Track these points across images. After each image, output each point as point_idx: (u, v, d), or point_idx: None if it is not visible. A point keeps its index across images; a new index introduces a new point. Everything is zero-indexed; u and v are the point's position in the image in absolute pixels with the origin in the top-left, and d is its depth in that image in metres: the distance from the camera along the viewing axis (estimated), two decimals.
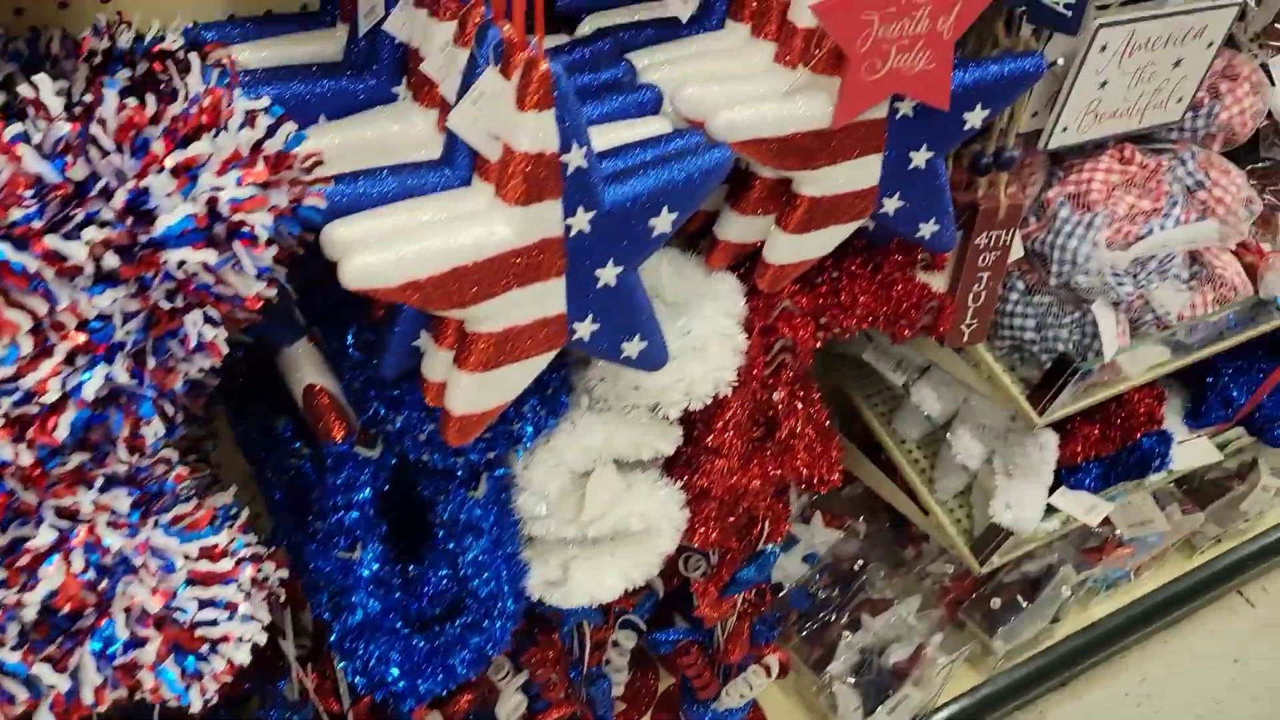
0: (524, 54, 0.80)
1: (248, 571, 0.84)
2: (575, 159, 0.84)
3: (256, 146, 0.72)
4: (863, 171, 1.07)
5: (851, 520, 1.85)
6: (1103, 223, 1.32)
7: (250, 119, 0.73)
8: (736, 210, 1.13)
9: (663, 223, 0.93)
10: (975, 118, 1.07)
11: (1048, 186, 1.40)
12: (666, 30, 1.14)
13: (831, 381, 1.79)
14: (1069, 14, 1.09)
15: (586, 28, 1.14)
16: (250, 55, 1.02)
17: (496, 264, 0.85)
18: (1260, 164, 1.53)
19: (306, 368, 1.06)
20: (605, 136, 0.96)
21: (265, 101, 0.75)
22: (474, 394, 0.92)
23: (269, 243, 0.72)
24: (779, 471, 1.29)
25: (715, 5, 1.15)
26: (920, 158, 1.08)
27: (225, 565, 0.82)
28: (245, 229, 0.70)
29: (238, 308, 0.74)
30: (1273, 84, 1.48)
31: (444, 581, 1.15)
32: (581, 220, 0.88)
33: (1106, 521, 1.82)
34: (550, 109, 0.80)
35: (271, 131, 0.74)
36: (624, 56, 1.09)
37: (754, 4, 1.10)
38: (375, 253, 0.80)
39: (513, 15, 0.80)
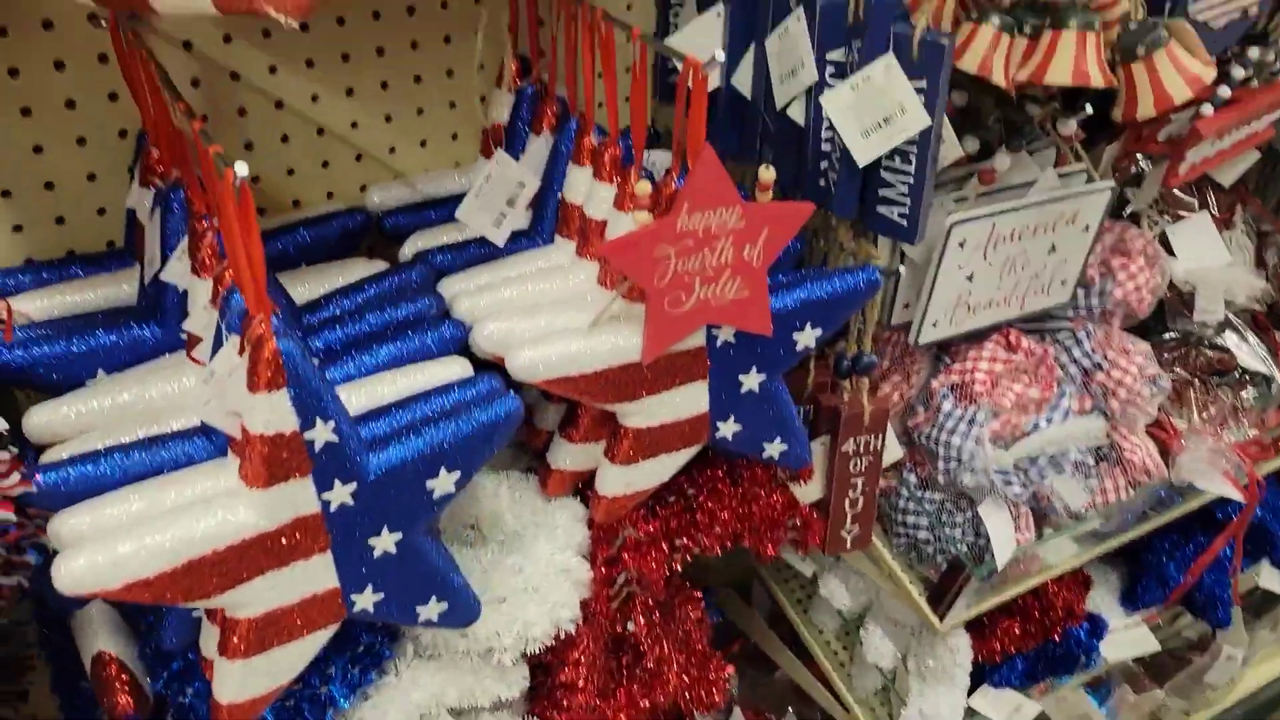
0: (255, 329, 0.74)
1: None
2: (323, 434, 0.78)
3: None
4: (688, 399, 1.00)
5: (775, 717, 1.73)
6: (986, 417, 1.24)
7: None
8: (567, 439, 1.06)
9: (443, 484, 0.86)
10: (807, 338, 1.01)
11: (934, 374, 1.32)
12: (491, 248, 1.09)
13: (745, 561, 1.70)
14: (905, 223, 1.03)
15: (408, 249, 1.10)
16: (37, 305, 0.98)
17: (240, 551, 0.78)
18: (1169, 336, 1.45)
19: (97, 632, 0.99)
20: (388, 386, 0.90)
21: None
22: (242, 681, 0.84)
23: None
24: (648, 701, 1.19)
25: (546, 218, 1.10)
26: (752, 380, 1.01)
27: None
28: None
29: None
30: (1172, 255, 1.42)
31: None
32: (341, 494, 0.81)
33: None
34: (283, 389, 0.74)
35: None
36: (439, 283, 1.05)
37: (578, 222, 1.06)
38: (93, 553, 0.73)
39: (242, 284, 0.74)
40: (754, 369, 1.01)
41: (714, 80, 1.14)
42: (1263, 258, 1.54)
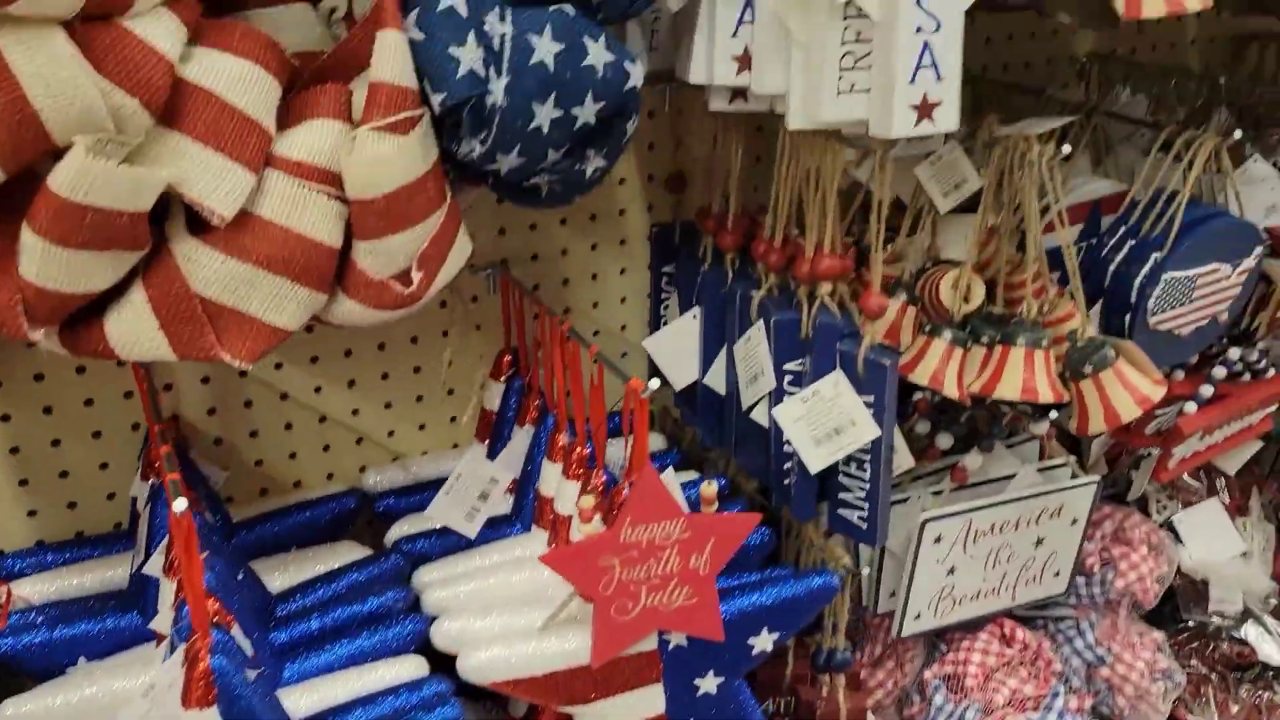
0: (194, 645, 0.78)
1: None
2: None
3: None
4: (643, 702, 1.00)
5: None
6: (976, 716, 1.21)
7: None
8: None
9: None
10: (763, 642, 1.01)
11: (929, 661, 1.30)
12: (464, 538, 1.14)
13: None
14: (865, 526, 1.05)
15: (394, 534, 1.15)
16: (38, 589, 1.04)
17: None
18: (1185, 625, 1.40)
19: None
20: (341, 687, 0.93)
21: None
22: None
23: None
24: None
25: (526, 507, 1.15)
26: (709, 684, 1.01)
27: None
28: None
29: None
30: (1180, 542, 1.39)
31: None
32: None
33: None
34: (211, 708, 0.78)
35: None
36: (416, 570, 1.09)
37: (550, 515, 1.10)
38: None
39: (189, 602, 0.79)
40: (710, 672, 1.01)
41: (688, 377, 1.20)
42: None
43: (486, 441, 1.21)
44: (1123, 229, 1.13)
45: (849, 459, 1.03)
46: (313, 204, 0.76)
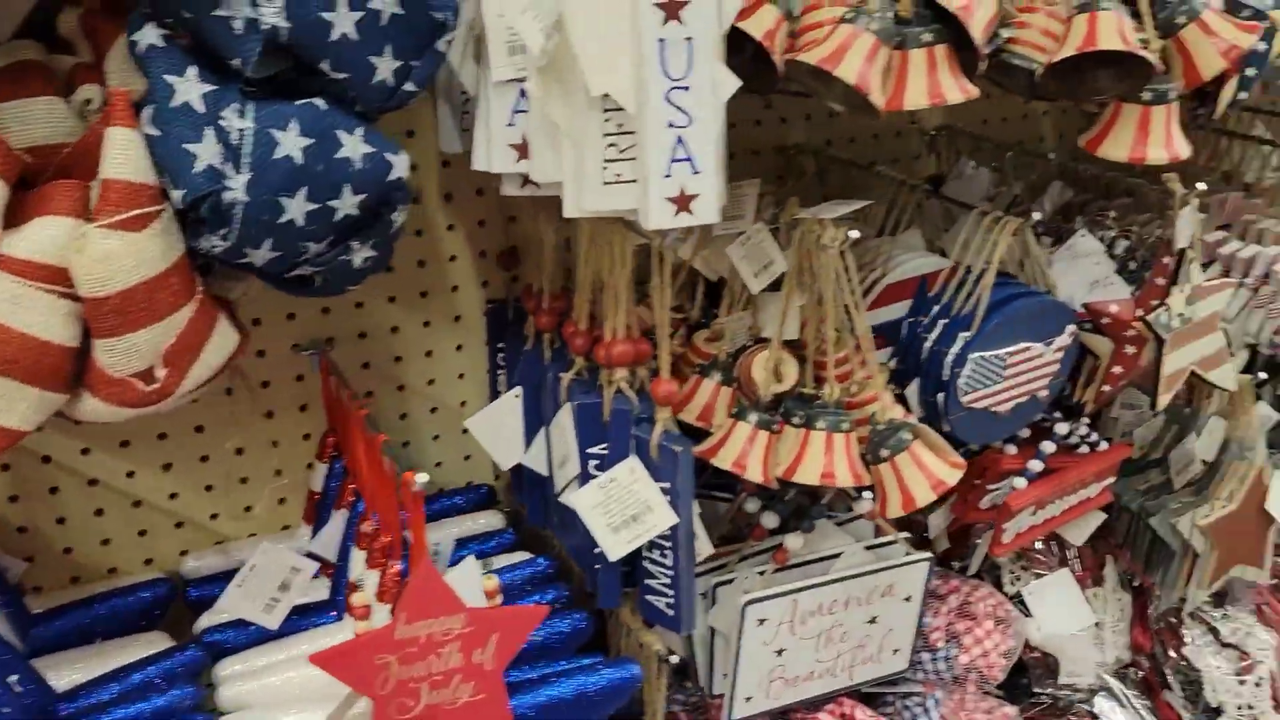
0: None
1: None
2: None
3: None
4: None
5: None
6: None
7: None
8: None
9: None
10: None
11: None
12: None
13: None
14: (672, 613, 1.03)
15: (202, 623, 1.12)
16: None
17: None
18: (1035, 701, 1.39)
19: None
20: None
21: None
22: None
23: None
24: None
25: (339, 594, 1.12)
26: None
27: None
28: None
29: None
30: (1028, 614, 1.38)
31: None
32: None
33: None
34: None
35: None
36: (218, 663, 1.06)
37: (357, 609, 1.07)
38: None
39: None
40: None
41: (513, 457, 1.19)
42: (1145, 612, 1.49)
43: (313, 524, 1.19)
44: (936, 307, 1.13)
45: (652, 545, 1.02)
46: (37, 303, 0.74)
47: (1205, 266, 1.41)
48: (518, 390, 1.16)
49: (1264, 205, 1.43)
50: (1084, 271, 1.22)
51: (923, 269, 1.19)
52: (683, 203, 0.82)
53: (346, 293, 0.92)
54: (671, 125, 0.81)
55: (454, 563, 1.16)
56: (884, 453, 0.99)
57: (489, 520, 1.27)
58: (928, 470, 0.99)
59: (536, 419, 1.15)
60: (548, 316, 1.12)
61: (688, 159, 0.82)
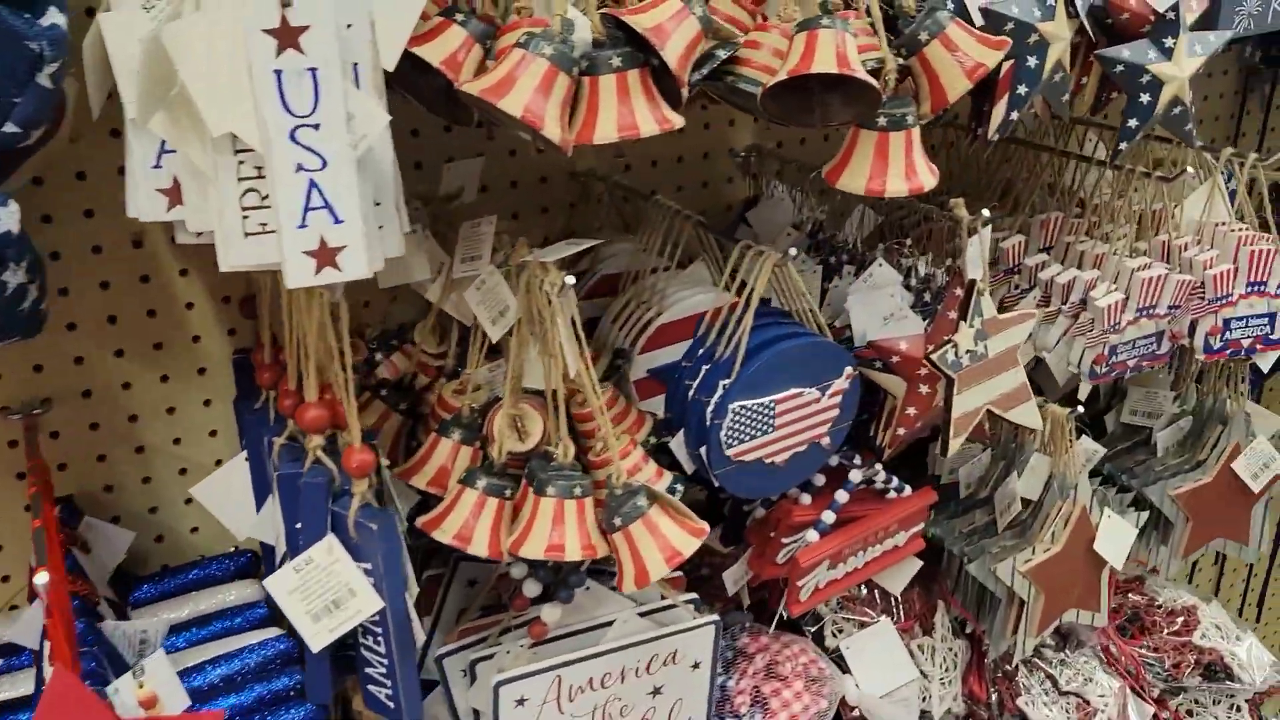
0: None
1: None
2: None
3: None
4: None
5: None
6: None
7: None
8: None
9: None
10: None
11: None
12: None
13: None
14: (393, 705, 0.92)
15: None
16: None
17: None
18: None
19: None
20: None
21: None
22: None
23: None
24: None
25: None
26: None
27: None
28: None
29: None
30: (845, 671, 1.28)
31: None
32: None
33: None
34: None
35: None
36: None
37: None
38: None
39: None
40: None
41: (248, 526, 1.07)
42: (982, 660, 1.40)
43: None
44: (700, 351, 1.03)
45: (364, 631, 0.91)
46: None
47: (1026, 292, 1.33)
48: (244, 454, 1.05)
49: (1091, 224, 1.35)
50: (879, 305, 1.13)
51: (700, 306, 1.09)
52: (325, 256, 0.72)
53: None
54: (301, 168, 0.70)
55: (170, 649, 1.05)
56: (617, 521, 0.89)
57: (240, 593, 1.15)
58: (663, 539, 0.89)
59: (263, 486, 1.04)
60: (269, 372, 1.01)
61: (325, 206, 0.71)
